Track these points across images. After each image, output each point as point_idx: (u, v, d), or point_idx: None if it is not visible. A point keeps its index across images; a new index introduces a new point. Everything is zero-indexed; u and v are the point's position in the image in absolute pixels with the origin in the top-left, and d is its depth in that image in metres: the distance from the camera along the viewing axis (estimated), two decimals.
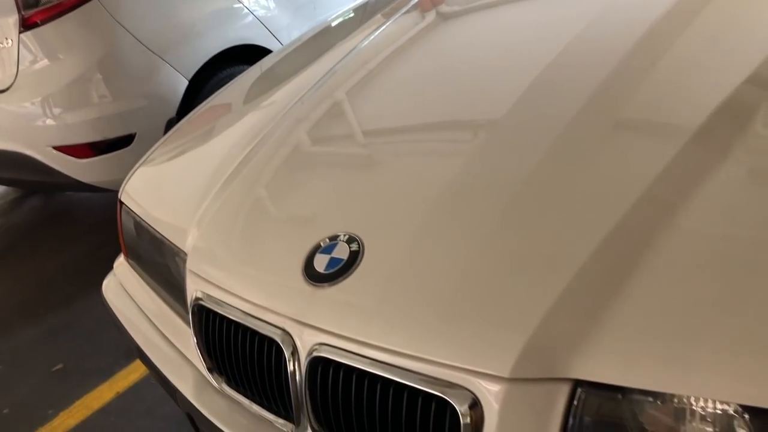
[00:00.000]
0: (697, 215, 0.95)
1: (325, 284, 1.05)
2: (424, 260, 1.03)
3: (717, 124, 1.08)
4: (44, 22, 2.92)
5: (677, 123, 1.12)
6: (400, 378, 0.94)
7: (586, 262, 0.92)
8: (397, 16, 2.02)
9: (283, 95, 1.80)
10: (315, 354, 1.03)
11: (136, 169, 1.75)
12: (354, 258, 1.06)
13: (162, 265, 1.47)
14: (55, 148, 3.04)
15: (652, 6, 1.45)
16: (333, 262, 1.07)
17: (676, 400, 0.82)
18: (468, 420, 0.89)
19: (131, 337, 1.55)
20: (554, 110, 1.24)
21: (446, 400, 0.90)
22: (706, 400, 0.80)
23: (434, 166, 1.25)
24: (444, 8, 1.99)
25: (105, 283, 1.77)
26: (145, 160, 1.78)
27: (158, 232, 1.46)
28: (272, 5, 3.63)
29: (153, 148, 1.83)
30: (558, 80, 1.32)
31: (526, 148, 1.16)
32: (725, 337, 0.80)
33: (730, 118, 1.09)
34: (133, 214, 1.59)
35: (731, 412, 0.79)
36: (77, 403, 2.39)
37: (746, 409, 0.78)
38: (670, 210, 0.96)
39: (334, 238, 1.11)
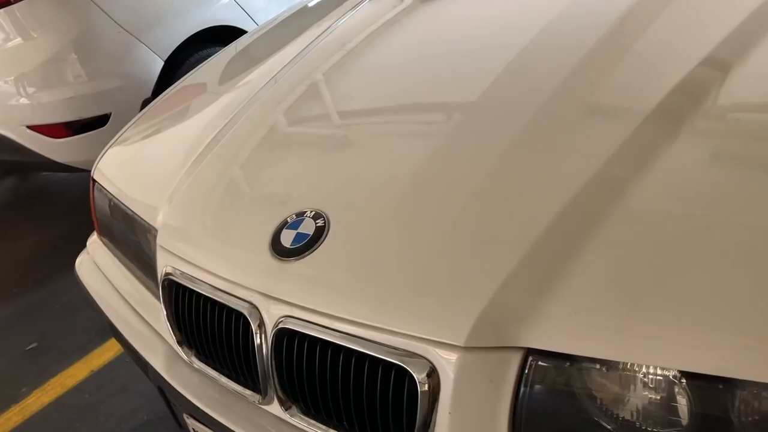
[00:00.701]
0: (647, 193, 0.99)
1: (291, 259, 1.08)
2: (387, 236, 1.07)
3: (671, 105, 1.12)
4: (18, 0, 2.90)
5: (635, 105, 1.16)
6: (362, 348, 0.97)
7: (539, 238, 0.96)
8: None
9: (258, 75, 1.81)
10: (281, 326, 1.06)
11: (108, 147, 1.76)
12: (319, 233, 1.09)
13: (133, 242, 1.49)
14: (30, 127, 3.02)
15: None
16: (299, 237, 1.10)
17: (621, 368, 0.86)
18: (425, 388, 0.92)
19: (103, 313, 1.57)
20: (525, 95, 1.27)
21: (405, 368, 0.94)
22: (648, 367, 0.84)
23: (406, 147, 1.28)
24: None
25: (78, 260, 1.79)
26: (118, 138, 1.79)
27: (130, 209, 1.48)
28: None
29: (126, 127, 1.84)
30: (530, 65, 1.35)
31: (496, 131, 1.20)
32: (666, 308, 0.85)
33: (684, 99, 1.13)
34: (105, 191, 1.60)
35: (671, 377, 0.83)
36: (51, 381, 2.40)
37: (684, 374, 0.82)
38: (621, 187, 1.00)
39: (300, 214, 1.13)
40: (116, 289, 1.57)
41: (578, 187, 1.01)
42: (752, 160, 1.04)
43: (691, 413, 0.84)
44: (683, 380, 0.83)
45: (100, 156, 1.73)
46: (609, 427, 0.89)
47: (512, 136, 1.16)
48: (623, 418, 0.88)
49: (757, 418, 0.81)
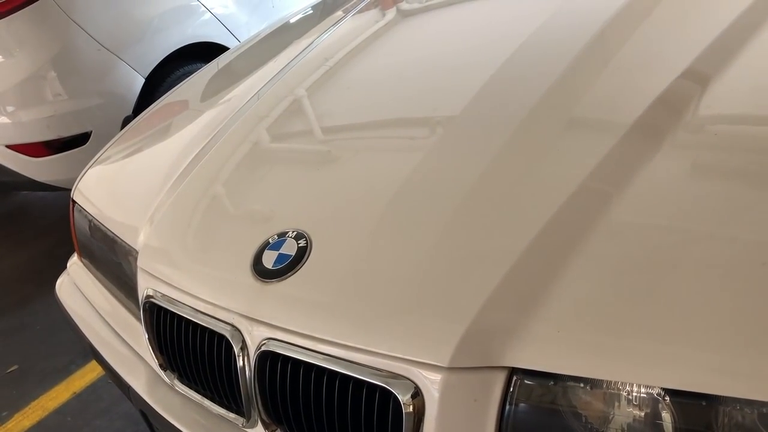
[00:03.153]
0: (630, 207, 0.99)
1: (273, 280, 1.07)
2: (370, 256, 1.06)
3: (652, 118, 1.13)
4: None
5: (616, 119, 1.17)
6: (346, 370, 0.96)
7: (522, 255, 0.96)
8: (355, 11, 2.04)
9: (240, 92, 1.81)
10: (263, 348, 1.05)
11: (89, 168, 1.74)
12: (302, 254, 1.08)
13: (114, 264, 1.48)
14: (9, 146, 2.99)
15: (603, 7, 1.49)
16: (281, 258, 1.09)
17: (605, 386, 0.86)
18: (410, 409, 0.92)
19: (84, 335, 1.54)
20: (507, 109, 1.27)
21: (389, 390, 0.93)
22: (632, 385, 0.84)
23: (389, 163, 1.27)
24: (404, 6, 2.02)
25: (58, 282, 1.77)
26: (98, 158, 1.78)
27: (110, 231, 1.46)
28: (230, 3, 3.63)
29: (107, 146, 1.83)
30: (512, 79, 1.36)
31: (478, 146, 1.20)
32: (648, 326, 0.85)
33: (665, 112, 1.14)
34: (86, 212, 1.59)
35: (655, 395, 0.83)
36: (33, 404, 2.36)
37: (668, 392, 0.82)
38: (604, 201, 1.01)
39: (282, 235, 1.13)
40: (97, 311, 1.55)
41: (561, 202, 1.01)
42: (733, 172, 1.04)
43: (676, 430, 0.83)
44: (666, 397, 0.83)
45: (80, 176, 1.71)
46: None
47: (494, 152, 1.16)
48: None
49: None
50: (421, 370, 0.92)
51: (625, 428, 0.87)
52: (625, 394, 0.85)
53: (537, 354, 0.88)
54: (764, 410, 0.79)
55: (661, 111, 1.15)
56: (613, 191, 1.02)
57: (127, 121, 3.06)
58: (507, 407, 0.91)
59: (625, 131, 1.11)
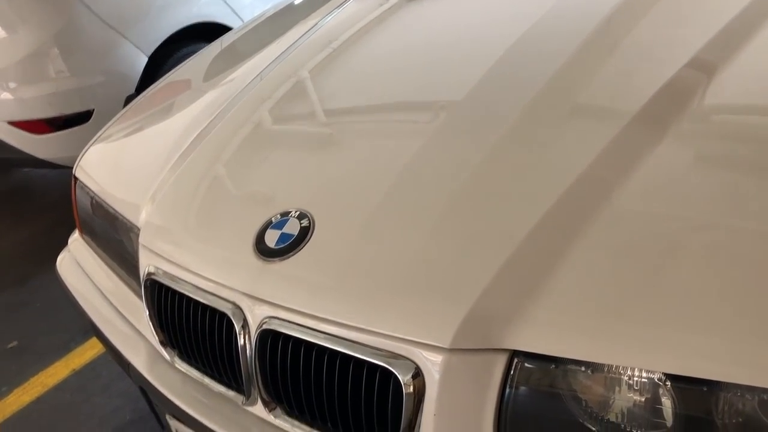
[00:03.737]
0: (633, 195, 0.99)
1: (275, 259, 1.07)
2: (373, 237, 1.06)
3: (656, 107, 1.12)
4: None
5: (621, 106, 1.16)
6: (347, 350, 0.97)
7: (524, 239, 0.96)
8: None
9: (243, 72, 1.80)
10: (264, 327, 1.05)
11: (91, 144, 1.74)
12: (304, 234, 1.08)
13: (116, 241, 1.48)
14: (11, 123, 2.98)
15: None
16: (283, 237, 1.09)
17: (606, 370, 0.86)
18: (410, 389, 0.92)
19: (85, 312, 1.55)
20: (511, 95, 1.27)
21: (390, 370, 0.93)
22: (633, 370, 0.84)
23: (392, 147, 1.27)
24: None
25: (59, 259, 1.77)
26: (100, 135, 1.77)
27: (112, 208, 1.46)
28: None
29: (109, 123, 1.82)
30: (516, 65, 1.35)
31: (482, 131, 1.19)
32: (651, 311, 0.85)
33: (670, 101, 1.14)
34: (88, 189, 1.58)
35: (656, 380, 0.84)
36: (32, 380, 2.37)
37: (669, 377, 0.82)
38: (607, 189, 1.01)
39: (285, 214, 1.13)
40: (98, 288, 1.55)
41: (563, 189, 1.01)
42: (738, 162, 1.04)
43: (676, 415, 0.84)
44: (668, 383, 0.83)
45: (82, 153, 1.70)
46: (594, 429, 0.89)
47: (497, 137, 1.16)
48: (608, 420, 0.88)
49: (740, 420, 0.81)
50: (422, 351, 0.92)
51: (625, 413, 0.87)
52: (625, 378, 0.85)
53: (538, 337, 0.88)
54: (765, 397, 0.79)
55: (667, 100, 1.14)
56: (616, 179, 1.02)
57: (129, 99, 3.05)
58: (507, 390, 0.91)
59: (630, 119, 1.10)
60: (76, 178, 1.65)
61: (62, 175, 3.89)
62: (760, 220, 0.92)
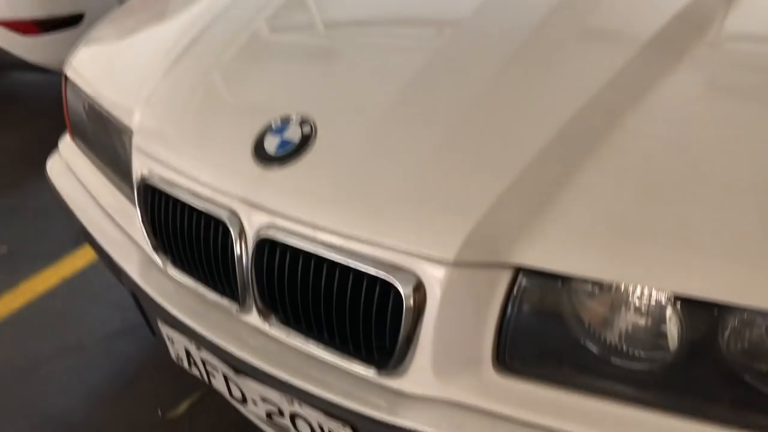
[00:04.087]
0: (646, 118, 0.96)
1: (275, 166, 1.03)
2: (378, 147, 1.02)
3: (672, 33, 1.08)
4: None
5: (636, 31, 1.12)
6: (347, 260, 0.94)
7: (534, 158, 0.92)
8: None
9: None
10: (262, 235, 1.02)
11: (83, 44, 1.66)
12: (306, 140, 1.04)
13: (108, 144, 1.43)
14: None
15: None
16: (284, 143, 1.04)
17: (614, 289, 0.84)
18: (411, 303, 0.90)
19: (76, 217, 1.51)
20: (520, 13, 1.21)
21: (391, 282, 0.91)
22: (642, 289, 0.82)
23: (397, 59, 1.22)
24: None
25: (49, 162, 1.71)
26: (93, 35, 1.69)
27: (104, 109, 1.40)
28: None
29: (102, 22, 1.74)
30: None
31: (490, 49, 1.14)
32: (663, 232, 0.83)
33: (686, 27, 1.10)
34: (79, 89, 1.52)
35: (664, 301, 0.82)
36: (22, 285, 2.35)
37: (678, 298, 0.80)
38: (619, 113, 0.97)
39: (286, 120, 1.08)
40: (89, 192, 1.51)
41: (575, 109, 0.98)
42: (753, 91, 1.01)
43: (681, 339, 0.82)
44: (677, 304, 0.81)
45: (74, 52, 1.63)
46: (594, 350, 0.88)
47: (506, 55, 1.11)
48: (610, 341, 0.87)
49: (746, 346, 0.80)
50: (425, 264, 0.89)
51: (628, 334, 0.86)
52: (633, 298, 0.84)
53: (546, 253, 0.85)
54: None
55: (683, 26, 1.10)
56: (629, 103, 0.98)
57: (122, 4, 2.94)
58: (509, 308, 0.89)
59: (645, 44, 1.07)
60: (66, 78, 1.59)
61: (54, 81, 3.79)
62: None
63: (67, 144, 1.69)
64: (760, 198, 0.84)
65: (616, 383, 0.87)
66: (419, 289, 0.90)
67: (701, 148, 0.92)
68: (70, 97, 1.60)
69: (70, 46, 1.76)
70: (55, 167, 1.68)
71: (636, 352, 0.86)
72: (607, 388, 0.87)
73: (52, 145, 1.77)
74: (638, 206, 0.86)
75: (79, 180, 1.57)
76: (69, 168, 1.63)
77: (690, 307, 0.81)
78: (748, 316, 0.79)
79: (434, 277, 0.89)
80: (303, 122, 1.06)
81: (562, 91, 1.03)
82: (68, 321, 2.16)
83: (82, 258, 2.45)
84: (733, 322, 0.80)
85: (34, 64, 2.97)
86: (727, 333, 0.80)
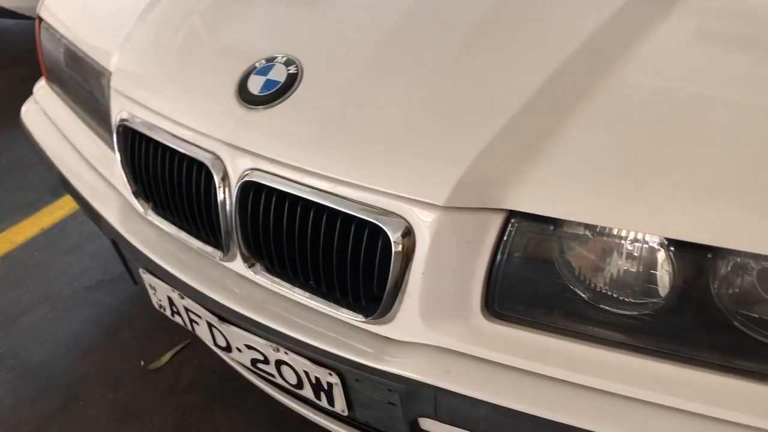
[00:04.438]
0: (635, 67, 0.94)
1: (260, 107, 1.00)
2: (366, 89, 0.99)
3: None
4: None
5: None
6: (334, 204, 0.92)
7: (525, 103, 0.90)
8: None
9: None
10: (246, 179, 0.99)
11: None
12: (291, 81, 1.00)
13: (85, 87, 1.38)
14: None
15: None
16: (269, 84, 1.01)
17: (606, 233, 0.83)
18: (400, 248, 0.88)
19: (53, 163, 1.47)
20: None
21: (380, 227, 0.89)
22: (635, 234, 0.81)
23: (384, 1, 1.17)
24: None
25: (24, 109, 1.66)
26: None
27: (81, 50, 1.35)
28: None
29: None
30: None
31: None
32: (656, 178, 0.81)
33: None
34: (54, 31, 1.46)
35: (656, 246, 0.81)
36: (0, 237, 2.31)
37: (672, 242, 0.79)
38: (611, 60, 0.95)
39: (271, 60, 1.04)
40: (67, 138, 1.47)
41: (565, 57, 0.95)
42: (744, 40, 0.99)
43: (672, 284, 0.82)
44: (670, 248, 0.80)
45: None
46: (584, 295, 0.87)
47: (498, 1, 1.08)
48: (600, 286, 0.86)
49: (737, 291, 0.80)
50: (414, 208, 0.87)
51: (619, 280, 0.85)
52: (625, 243, 0.82)
53: (539, 198, 0.84)
54: (767, 265, 0.77)
55: None
56: (620, 52, 0.96)
57: None
58: (499, 253, 0.88)
59: None
60: (41, 19, 1.52)
61: (29, 29, 3.68)
62: (763, 95, 0.89)
63: (42, 89, 1.64)
64: (752, 143, 0.83)
65: (606, 329, 0.86)
66: (408, 234, 0.88)
67: (692, 94, 0.90)
68: (44, 40, 1.54)
69: None
70: (30, 113, 1.63)
71: (626, 297, 0.86)
72: (596, 334, 0.87)
73: (26, 95, 1.71)
74: (630, 152, 0.85)
75: (55, 126, 1.52)
76: (45, 114, 1.58)
77: (682, 251, 0.80)
78: (741, 260, 0.78)
79: (424, 221, 0.87)
80: (289, 62, 1.03)
81: (553, 37, 1.00)
82: (48, 272, 2.12)
83: (60, 209, 2.41)
84: (725, 266, 0.79)
85: (7, 9, 2.86)
86: (718, 278, 0.80)
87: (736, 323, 0.81)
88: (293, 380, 1.08)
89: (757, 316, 0.80)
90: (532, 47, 0.99)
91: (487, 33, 1.03)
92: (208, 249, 1.11)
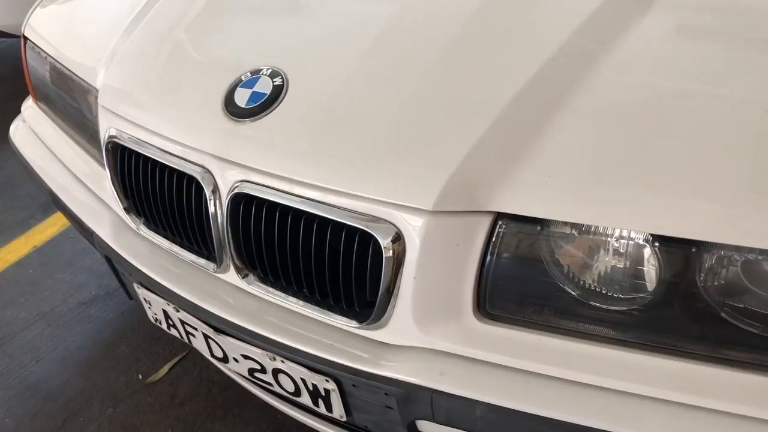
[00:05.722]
0: (617, 64, 0.96)
1: (247, 120, 1.01)
2: (350, 98, 1.00)
3: None
4: None
5: None
6: (324, 213, 0.93)
7: (508, 105, 0.91)
8: None
9: None
10: (236, 191, 1.00)
11: (39, 3, 1.60)
12: (277, 93, 1.01)
13: (73, 105, 1.38)
14: None
15: None
16: (255, 96, 1.02)
17: (592, 231, 0.84)
18: (390, 253, 0.89)
19: (43, 182, 1.47)
20: None
21: (370, 234, 0.90)
22: (621, 231, 0.83)
23: (368, 10, 1.19)
24: None
25: (12, 128, 1.67)
26: None
27: (67, 68, 1.36)
28: None
29: None
30: None
31: None
32: (639, 175, 0.83)
33: None
34: (40, 50, 1.47)
35: (642, 242, 0.82)
36: None
37: (657, 238, 0.81)
38: (591, 58, 0.96)
39: (256, 72, 1.05)
40: (56, 156, 1.47)
41: (547, 57, 0.96)
42: (723, 33, 1.01)
43: (659, 278, 0.83)
44: (656, 244, 0.81)
45: (31, 10, 1.57)
46: (574, 293, 0.89)
47: (478, 4, 1.09)
48: (589, 284, 0.88)
49: (723, 283, 0.81)
50: (403, 214, 0.88)
51: (608, 277, 0.86)
52: (612, 241, 0.84)
53: (525, 199, 0.85)
54: (751, 257, 0.79)
55: None
56: (601, 49, 0.98)
57: None
58: (489, 254, 0.89)
59: None
60: (26, 38, 1.53)
61: (12, 47, 3.68)
62: (743, 89, 0.90)
63: (30, 108, 1.64)
64: (733, 138, 0.84)
65: (596, 325, 0.88)
66: (398, 239, 0.89)
67: (674, 91, 0.92)
68: (30, 59, 1.54)
69: (25, 8, 1.70)
70: (19, 132, 1.64)
71: (615, 293, 0.87)
72: (587, 330, 0.88)
73: (13, 114, 1.71)
74: (614, 150, 0.86)
75: (44, 144, 1.53)
76: (33, 132, 1.58)
77: (667, 246, 0.81)
78: (725, 252, 0.79)
79: (413, 226, 0.88)
80: (274, 74, 1.04)
81: (534, 38, 1.02)
82: (42, 289, 2.13)
83: (52, 226, 2.41)
84: (709, 259, 0.81)
85: None
86: (704, 271, 0.81)
87: (723, 314, 0.82)
88: (291, 388, 1.09)
89: (742, 306, 0.81)
90: (513, 49, 1.01)
91: (469, 38, 1.04)
92: (201, 261, 1.12)
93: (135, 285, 1.26)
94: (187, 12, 1.31)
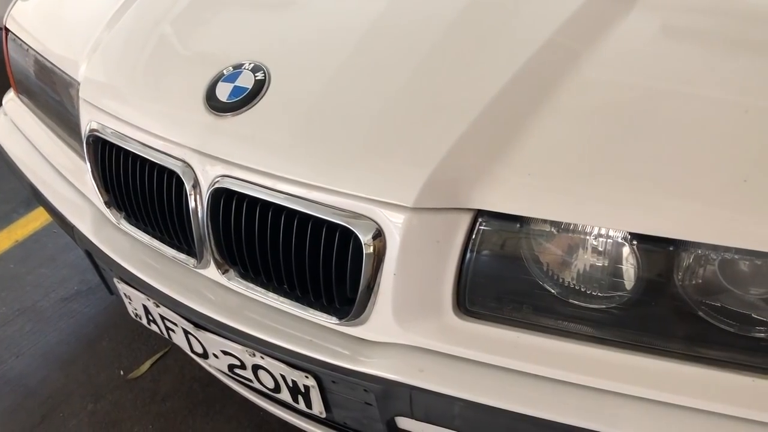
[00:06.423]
0: (599, 63, 0.96)
1: (228, 114, 1.00)
2: (332, 94, 1.00)
3: None
4: None
5: None
6: (305, 209, 0.92)
7: (490, 103, 0.91)
8: None
9: None
10: (217, 186, 0.99)
11: None
12: (259, 87, 1.01)
13: (54, 98, 1.37)
14: None
15: None
16: (236, 90, 1.01)
17: (571, 229, 0.84)
18: (371, 250, 0.89)
19: (23, 175, 1.46)
20: None
21: (350, 230, 0.89)
22: (599, 230, 0.83)
23: (354, 7, 1.18)
24: None
25: None
26: None
27: (49, 61, 1.35)
28: None
29: None
30: None
31: None
32: (618, 174, 0.83)
33: None
34: (21, 42, 1.45)
35: (621, 240, 0.82)
36: None
37: (635, 237, 0.81)
38: (573, 57, 0.96)
39: (238, 67, 1.05)
40: (37, 149, 1.46)
41: (529, 55, 0.96)
42: (705, 33, 1.01)
43: (637, 276, 0.84)
44: (634, 242, 0.82)
45: (12, 3, 1.55)
46: (553, 291, 0.89)
47: (462, 2, 1.09)
48: (568, 282, 0.88)
49: (700, 281, 0.82)
50: (384, 211, 0.88)
51: (587, 275, 0.87)
52: (591, 239, 0.84)
53: (505, 197, 0.85)
54: (727, 256, 0.79)
55: None
56: (583, 48, 0.98)
57: None
58: (469, 251, 0.89)
59: None
60: (7, 30, 1.51)
61: None
62: (724, 89, 0.90)
63: (11, 101, 1.62)
64: (712, 138, 0.84)
65: (575, 322, 0.88)
66: (379, 236, 0.89)
67: (655, 90, 0.92)
68: (12, 51, 1.53)
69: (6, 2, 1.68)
70: (0, 125, 1.62)
71: (594, 291, 0.87)
72: (566, 328, 0.88)
73: None
74: (594, 149, 0.86)
75: (26, 137, 1.51)
76: (15, 125, 1.57)
77: (646, 245, 0.82)
78: (702, 251, 0.80)
79: (393, 223, 0.88)
80: (256, 69, 1.03)
81: (516, 35, 1.02)
82: (23, 284, 2.11)
83: (34, 221, 2.39)
84: (687, 258, 0.81)
85: None
86: (681, 270, 0.82)
87: (700, 313, 0.83)
88: (270, 384, 1.09)
89: (719, 305, 0.82)
90: (496, 47, 1.01)
91: (452, 36, 1.04)
92: (182, 257, 1.12)
93: (115, 280, 1.25)
94: (171, 5, 1.29)
